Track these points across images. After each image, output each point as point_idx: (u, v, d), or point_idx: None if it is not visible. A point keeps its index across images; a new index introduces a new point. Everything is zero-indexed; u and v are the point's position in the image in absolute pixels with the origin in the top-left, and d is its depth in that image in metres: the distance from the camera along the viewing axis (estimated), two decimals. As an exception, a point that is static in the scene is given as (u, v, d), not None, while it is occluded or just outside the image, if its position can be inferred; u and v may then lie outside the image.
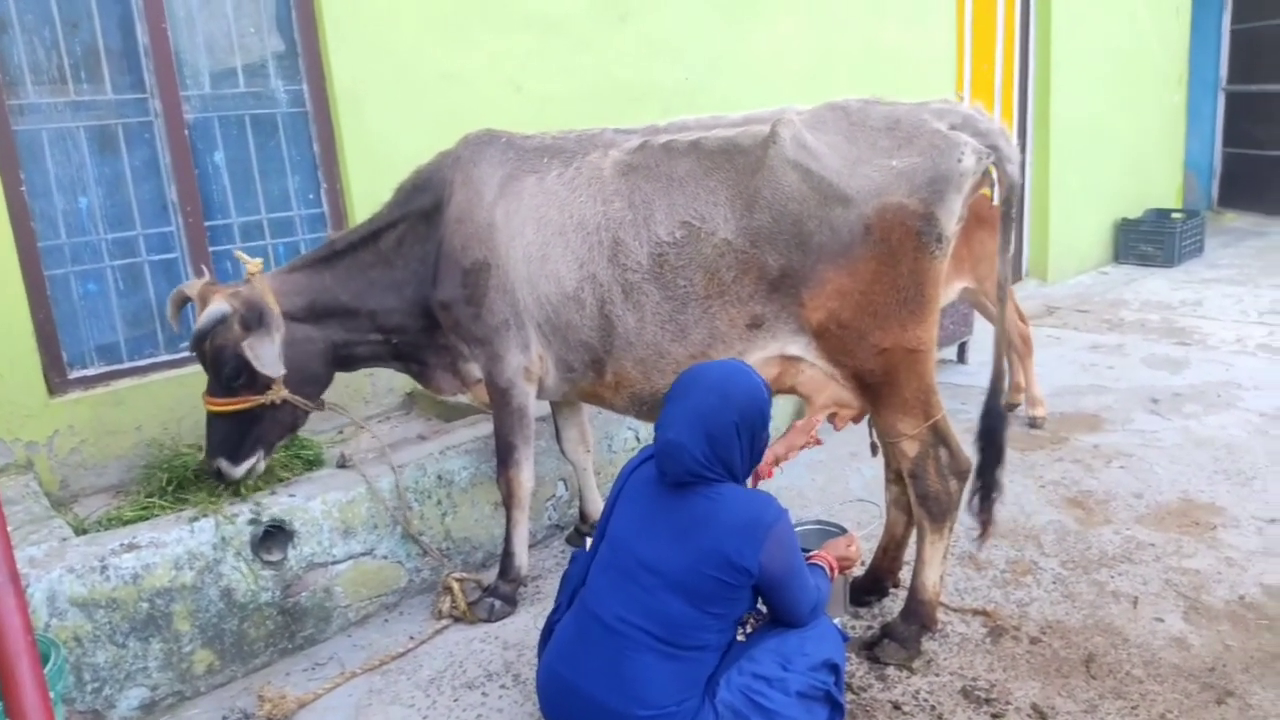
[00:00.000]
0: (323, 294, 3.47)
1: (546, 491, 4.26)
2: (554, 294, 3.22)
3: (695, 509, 2.38)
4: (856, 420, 3.21)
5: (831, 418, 3.17)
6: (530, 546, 3.96)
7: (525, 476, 3.53)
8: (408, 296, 3.47)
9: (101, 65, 3.94)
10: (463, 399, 3.80)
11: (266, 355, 3.28)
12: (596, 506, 4.07)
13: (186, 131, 4.16)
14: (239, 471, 3.44)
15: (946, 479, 3.12)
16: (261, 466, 3.55)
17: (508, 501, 3.57)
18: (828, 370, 3.05)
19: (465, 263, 3.32)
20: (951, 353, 6.41)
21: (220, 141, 4.33)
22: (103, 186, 4.03)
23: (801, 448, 3.12)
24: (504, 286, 3.29)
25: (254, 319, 3.37)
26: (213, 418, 3.40)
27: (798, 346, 3.04)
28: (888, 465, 3.45)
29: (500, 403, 3.44)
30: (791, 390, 3.18)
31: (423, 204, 3.45)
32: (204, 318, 3.34)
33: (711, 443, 2.36)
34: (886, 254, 2.86)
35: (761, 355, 3.07)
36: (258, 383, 3.31)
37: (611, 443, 4.44)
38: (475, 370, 3.55)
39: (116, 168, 4.04)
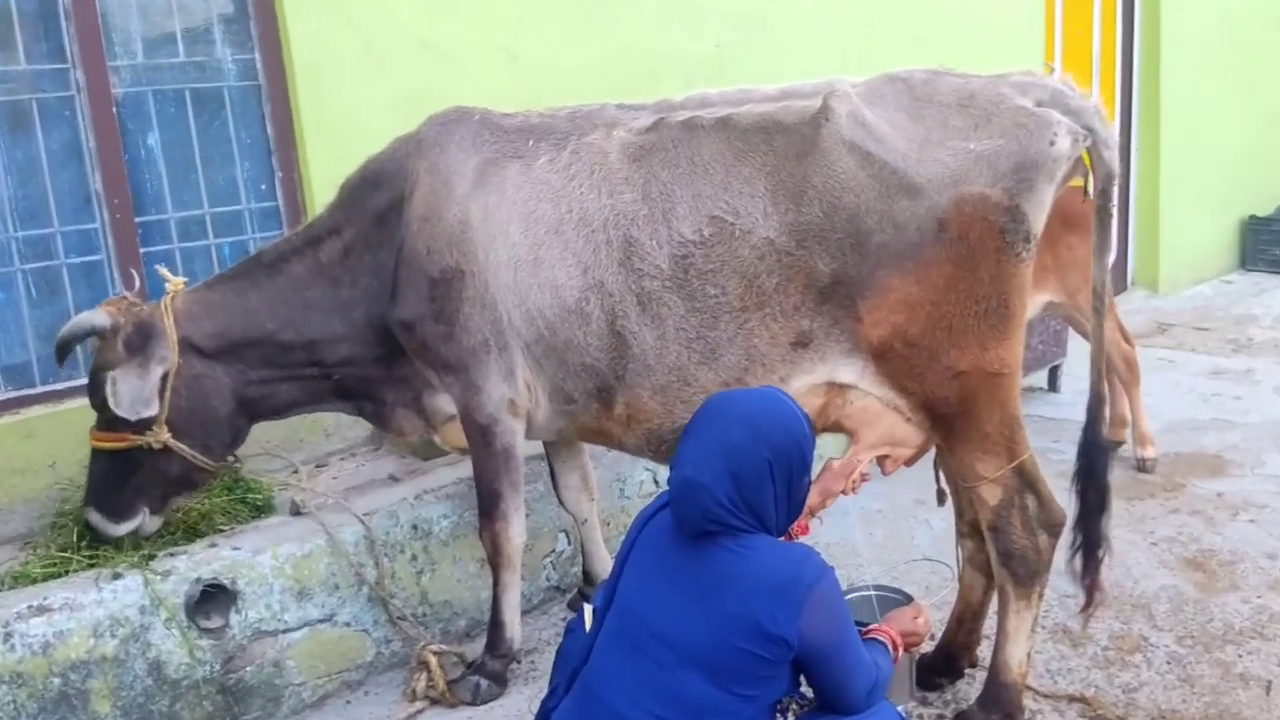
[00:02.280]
0: (241, 320, 3.46)
1: (544, 546, 4.28)
2: (550, 307, 3.23)
3: (719, 566, 2.38)
4: (910, 463, 3.22)
5: (879, 460, 3.18)
6: (524, 614, 3.96)
7: (514, 531, 3.55)
8: (357, 320, 3.49)
9: (14, 30, 3.98)
10: (432, 441, 3.80)
11: (126, 392, 3.29)
12: (605, 565, 4.10)
13: (115, 109, 4.20)
14: (116, 530, 3.46)
15: (1035, 533, 3.11)
16: (151, 526, 3.54)
17: (494, 561, 3.58)
18: (888, 399, 3.07)
19: (433, 271, 3.31)
20: (1041, 379, 6.43)
21: (155, 121, 4.35)
22: (13, 174, 4.06)
23: (842, 494, 3.13)
24: (483, 299, 3.29)
25: (138, 344, 3.38)
26: (92, 455, 3.43)
27: (851, 371, 3.07)
28: (961, 516, 3.44)
29: (481, 443, 3.45)
30: (835, 426, 3.20)
31: (376, 203, 3.46)
32: (70, 324, 3.36)
33: (738, 483, 2.37)
34: (964, 256, 2.88)
35: (807, 382, 3.10)
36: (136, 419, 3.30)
37: (624, 487, 4.48)
38: (446, 405, 3.55)
39: (29, 152, 4.07)
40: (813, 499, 3.04)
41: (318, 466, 4.55)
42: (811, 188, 2.94)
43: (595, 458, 4.23)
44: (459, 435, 3.58)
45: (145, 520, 3.49)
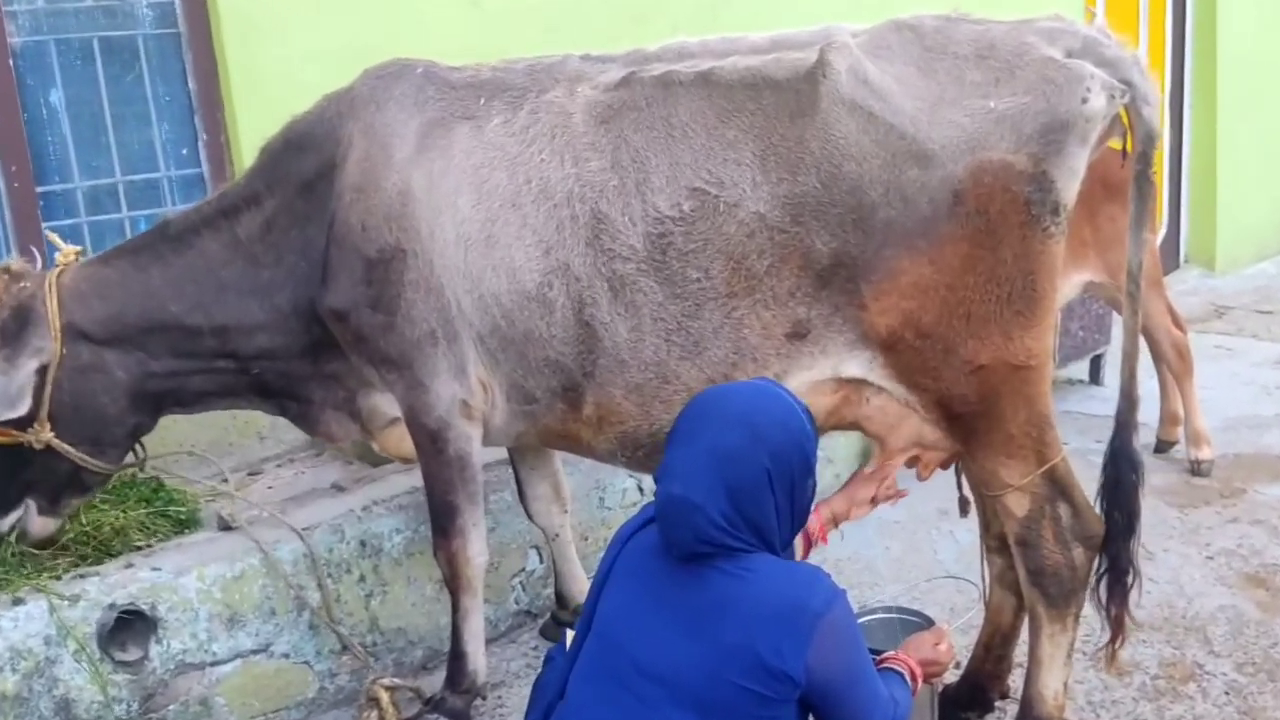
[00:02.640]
0: (141, 300, 3.43)
1: (511, 565, 4.28)
2: (506, 293, 3.22)
3: (714, 591, 2.38)
4: (947, 465, 3.25)
5: (913, 463, 3.20)
6: (490, 642, 3.95)
7: (474, 549, 3.54)
8: (279, 305, 3.47)
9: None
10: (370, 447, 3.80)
11: None
12: (581, 586, 4.10)
13: (11, 61, 4.17)
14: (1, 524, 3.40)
15: (1069, 547, 3.13)
16: (43, 529, 3.51)
17: (452, 584, 3.58)
18: (901, 397, 3.09)
19: (369, 251, 3.30)
20: (1082, 370, 6.41)
21: (58, 75, 4.35)
22: (-108, 138, 4.03)
23: (873, 504, 3.15)
24: (428, 283, 3.28)
25: (12, 330, 3.35)
26: None
27: (858, 364, 3.08)
28: (987, 529, 3.46)
29: (431, 451, 3.44)
30: (855, 426, 3.22)
31: (303, 170, 3.43)
32: None
33: (735, 499, 2.37)
34: (983, 232, 2.88)
35: (808, 378, 3.10)
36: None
37: (604, 496, 4.48)
38: (386, 406, 3.56)
39: (-89, 111, 4.04)
40: (839, 507, 3.10)
41: (250, 474, 4.53)
42: (808, 154, 2.93)
43: (570, 463, 4.23)
44: (400, 441, 3.58)
45: (33, 518, 3.48)
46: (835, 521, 3.09)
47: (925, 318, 2.95)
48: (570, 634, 2.66)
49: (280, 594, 3.72)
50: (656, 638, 2.42)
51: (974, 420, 3.04)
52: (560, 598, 4.18)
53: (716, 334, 3.09)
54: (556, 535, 4.09)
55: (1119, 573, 3.14)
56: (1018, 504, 3.10)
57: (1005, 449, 3.06)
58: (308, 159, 3.43)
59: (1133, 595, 3.18)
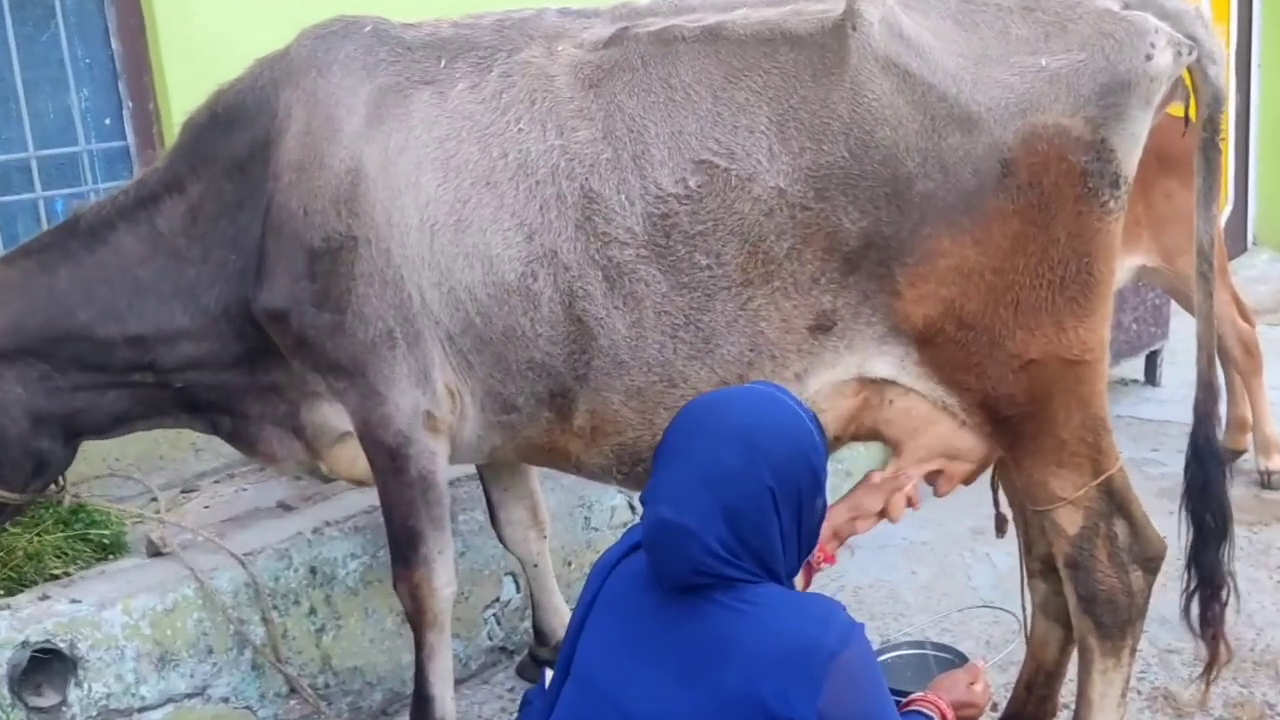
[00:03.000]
0: (45, 307, 3.41)
1: (484, 595, 4.27)
2: (481, 285, 3.21)
3: (712, 628, 2.38)
4: (968, 481, 3.26)
5: (931, 478, 3.22)
6: (459, 683, 3.95)
7: (440, 580, 3.53)
8: (207, 308, 3.45)
9: None
10: (318, 469, 3.83)
11: None
12: (562, 619, 4.11)
13: (-97, 20, 4.11)
14: None
15: (1126, 570, 3.15)
16: None
17: (415, 619, 3.58)
18: (936, 397, 3.11)
19: (313, 239, 3.28)
20: (1136, 369, 6.41)
21: (-39, 35, 4.26)
22: None
23: (880, 517, 3.13)
24: (383, 276, 3.26)
25: None
26: None
27: (888, 362, 3.10)
28: (1029, 550, 3.48)
29: (389, 470, 3.44)
30: (872, 434, 3.25)
31: (233, 148, 3.40)
32: None
33: (734, 523, 2.36)
34: (1035, 207, 2.89)
35: (831, 378, 3.12)
36: None
37: (589, 516, 4.48)
38: (335, 419, 3.55)
39: None
40: (839, 519, 3.07)
41: (184, 492, 4.52)
42: (834, 119, 2.93)
43: (550, 478, 4.23)
44: (352, 461, 3.59)
45: None
46: (837, 537, 3.07)
47: (968, 306, 2.96)
48: (550, 673, 2.68)
49: (218, 629, 3.70)
50: (645, 683, 2.42)
51: (1022, 424, 3.06)
52: (539, 633, 4.17)
53: (730, 328, 3.10)
54: (535, 564, 4.10)
55: (1214, 588, 3.16)
56: (1069, 520, 3.12)
57: (1056, 457, 3.08)
58: (238, 135, 3.40)
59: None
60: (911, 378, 3.10)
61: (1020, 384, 3.01)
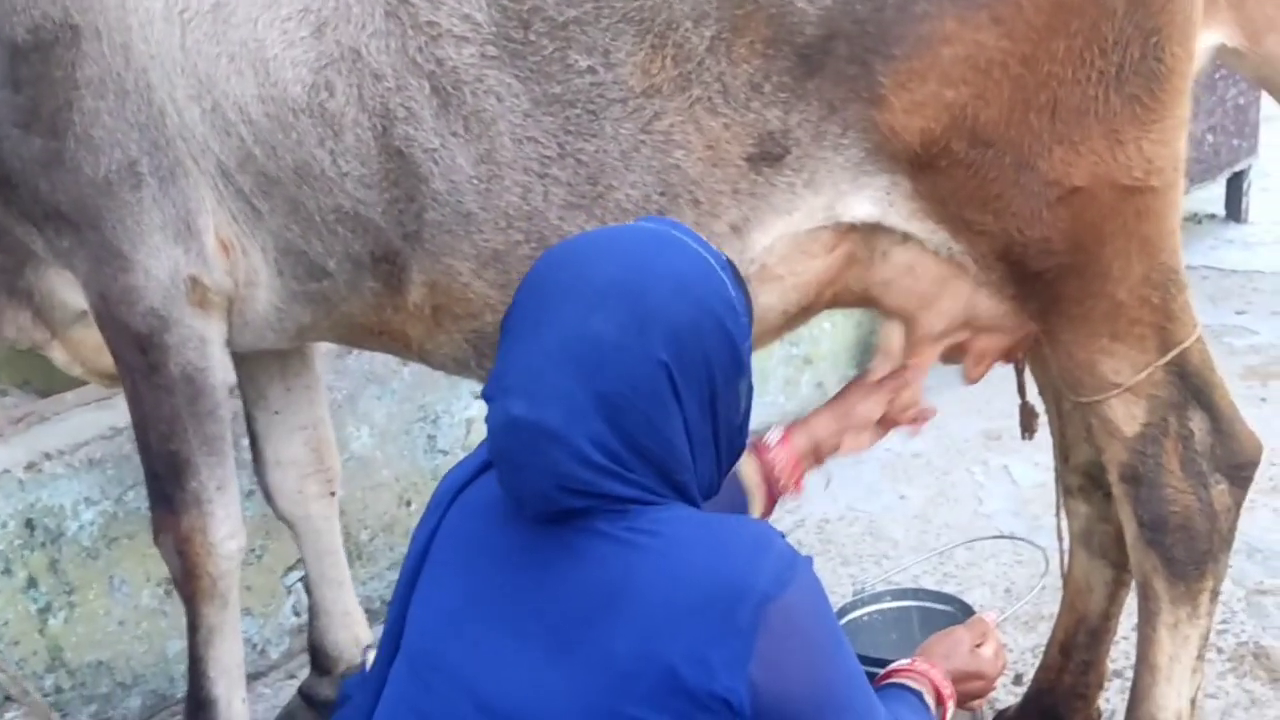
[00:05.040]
0: None
1: (285, 552, 4.05)
2: (256, 100, 2.96)
3: (594, 573, 2.16)
4: (1010, 358, 3.11)
5: (954, 355, 3.04)
6: (253, 678, 3.86)
7: (220, 529, 3.29)
8: None
9: None
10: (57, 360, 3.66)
11: None
12: (355, 632, 3.90)
13: None
14: None
15: (1206, 482, 2.93)
16: None
17: (186, 588, 3.35)
18: (943, 247, 2.83)
19: (14, 31, 3.05)
20: (1213, 199, 6.00)
21: None
22: None
23: (881, 430, 2.97)
24: (120, 83, 3.02)
25: None
26: None
27: (869, 198, 2.82)
28: (1064, 459, 3.36)
29: (139, 367, 3.23)
30: (866, 301, 3.06)
31: None
32: None
33: (614, 416, 2.11)
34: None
35: (787, 228, 2.87)
36: None
37: (434, 433, 4.21)
38: (66, 291, 3.35)
39: None
40: (823, 431, 2.90)
41: None
42: None
43: (378, 380, 4.13)
44: (99, 348, 3.36)
45: None
46: (818, 455, 2.88)
47: (985, 113, 2.67)
48: (372, 655, 2.51)
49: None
50: (508, 656, 2.21)
51: (1060, 281, 2.80)
52: (317, 656, 3.90)
53: (627, 161, 2.82)
54: (316, 530, 3.75)
55: None
56: (1127, 415, 2.88)
57: (1109, 327, 2.83)
58: None
59: None
60: (901, 217, 2.81)
61: (1059, 223, 2.72)
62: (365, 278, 3.11)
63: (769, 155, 2.80)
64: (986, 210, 2.76)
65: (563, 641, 2.19)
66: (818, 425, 2.91)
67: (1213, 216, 5.98)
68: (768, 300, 2.90)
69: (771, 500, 2.84)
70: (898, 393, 2.96)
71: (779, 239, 2.86)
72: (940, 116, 2.70)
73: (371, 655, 2.53)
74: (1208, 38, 4.36)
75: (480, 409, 4.18)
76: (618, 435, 2.13)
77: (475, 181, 2.90)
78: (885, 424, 2.98)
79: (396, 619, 2.44)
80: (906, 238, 2.86)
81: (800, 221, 2.84)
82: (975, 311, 2.93)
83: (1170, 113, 2.73)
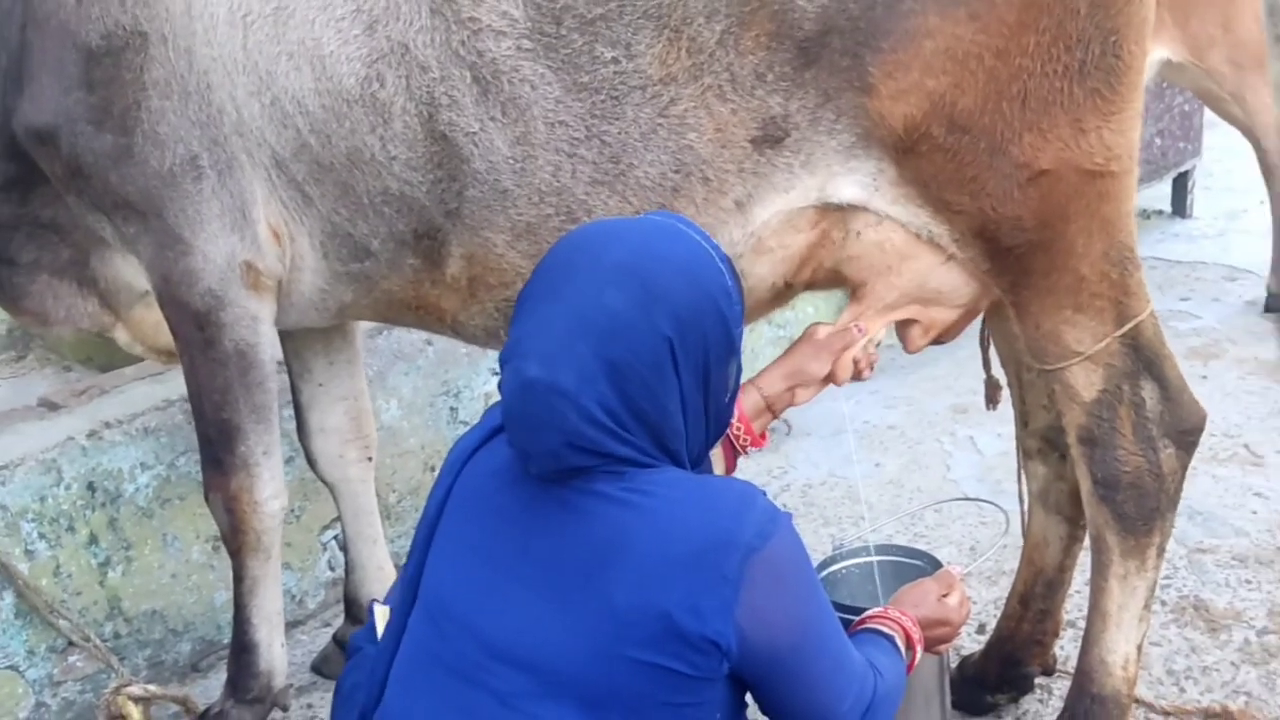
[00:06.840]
0: None
1: (322, 512, 4.08)
2: (313, 94, 3.04)
3: (597, 526, 2.26)
4: (947, 337, 3.19)
5: (903, 329, 3.13)
6: (292, 627, 3.88)
7: (265, 490, 3.39)
8: None
9: None
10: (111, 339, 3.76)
11: None
12: (382, 580, 3.94)
13: None
14: None
15: (1155, 445, 3.01)
16: None
17: (233, 543, 3.43)
18: (919, 226, 2.93)
19: (88, 36, 3.11)
20: (1159, 196, 6.13)
21: None
22: None
23: (827, 382, 3.03)
24: (184, 84, 3.10)
25: None
26: None
27: (856, 181, 2.92)
28: (1025, 424, 3.42)
29: (196, 343, 3.30)
30: (832, 278, 3.15)
31: None
32: None
33: (620, 383, 2.22)
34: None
35: (784, 205, 2.96)
36: None
37: (456, 405, 4.26)
38: (132, 274, 3.43)
39: None
40: (772, 386, 2.97)
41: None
42: None
43: (404, 357, 4.03)
44: (158, 326, 3.43)
45: None
46: (771, 409, 2.95)
47: (962, 101, 2.76)
48: (381, 611, 2.57)
49: (-36, 568, 3.66)
50: (514, 604, 2.30)
51: (1028, 256, 2.89)
52: (351, 605, 3.92)
53: (646, 142, 2.90)
54: (354, 496, 3.83)
55: None
56: (1085, 382, 2.96)
57: (1072, 299, 2.92)
58: None
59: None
60: (886, 201, 2.90)
61: (1028, 203, 2.83)
62: (407, 255, 3.18)
63: (771, 138, 2.89)
64: (964, 191, 2.84)
65: (567, 592, 2.27)
66: (767, 381, 2.98)
67: (1160, 212, 6.13)
68: (761, 271, 2.98)
69: (732, 457, 2.91)
70: (842, 353, 2.99)
71: (775, 214, 2.95)
72: (922, 103, 2.80)
73: (378, 610, 2.61)
74: (1155, 53, 4.40)
75: (495, 384, 4.41)
76: (621, 399, 2.23)
77: (511, 161, 2.97)
78: (831, 378, 3.00)
79: (414, 572, 2.52)
80: (883, 219, 2.92)
81: (795, 199, 2.94)
82: (928, 286, 3.01)
83: (1127, 105, 2.83)
